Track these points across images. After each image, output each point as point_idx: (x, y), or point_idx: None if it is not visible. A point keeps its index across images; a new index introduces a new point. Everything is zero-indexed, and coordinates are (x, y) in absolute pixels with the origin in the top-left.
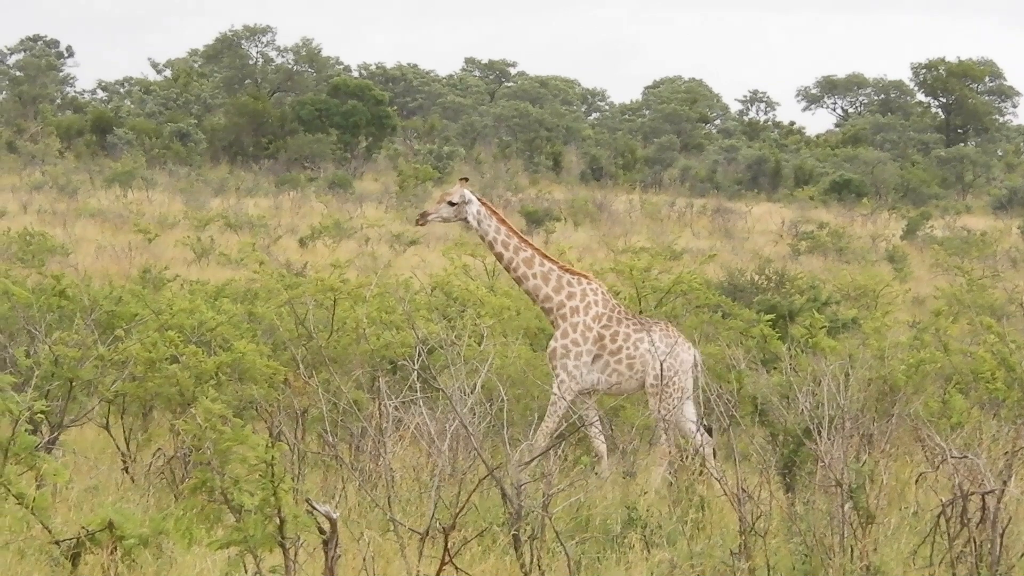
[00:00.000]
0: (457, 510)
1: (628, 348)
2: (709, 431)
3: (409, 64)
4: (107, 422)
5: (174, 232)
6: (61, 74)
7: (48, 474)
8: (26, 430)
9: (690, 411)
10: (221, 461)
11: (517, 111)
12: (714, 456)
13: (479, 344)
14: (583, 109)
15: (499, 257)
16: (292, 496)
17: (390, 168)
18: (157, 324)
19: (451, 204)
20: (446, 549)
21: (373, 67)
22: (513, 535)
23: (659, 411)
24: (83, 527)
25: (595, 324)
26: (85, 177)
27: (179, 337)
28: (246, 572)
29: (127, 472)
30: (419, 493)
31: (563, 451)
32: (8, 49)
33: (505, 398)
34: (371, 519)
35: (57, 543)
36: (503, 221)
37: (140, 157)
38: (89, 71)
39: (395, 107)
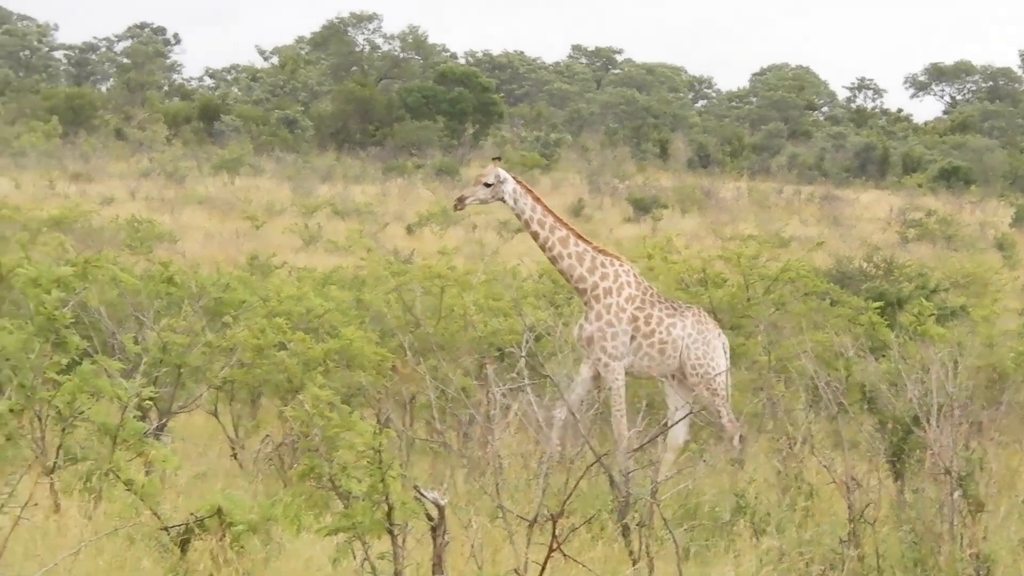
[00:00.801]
0: (565, 497)
1: (660, 332)
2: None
3: (516, 51)
4: (215, 409)
5: (281, 219)
6: (168, 61)
7: (157, 460)
8: (135, 416)
9: (722, 395)
10: (329, 448)
11: (624, 98)
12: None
13: None
14: (690, 96)
15: (535, 236)
16: (400, 483)
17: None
18: (265, 311)
19: (487, 185)
20: (554, 536)
21: (480, 54)
22: (621, 522)
23: (706, 397)
24: (192, 513)
25: (628, 305)
26: (193, 164)
27: (287, 324)
28: (354, 558)
29: (235, 459)
30: (527, 480)
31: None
32: (115, 37)
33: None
34: (479, 506)
35: (166, 529)
36: (539, 200)
37: (247, 144)
38: (196, 58)
39: (502, 94)
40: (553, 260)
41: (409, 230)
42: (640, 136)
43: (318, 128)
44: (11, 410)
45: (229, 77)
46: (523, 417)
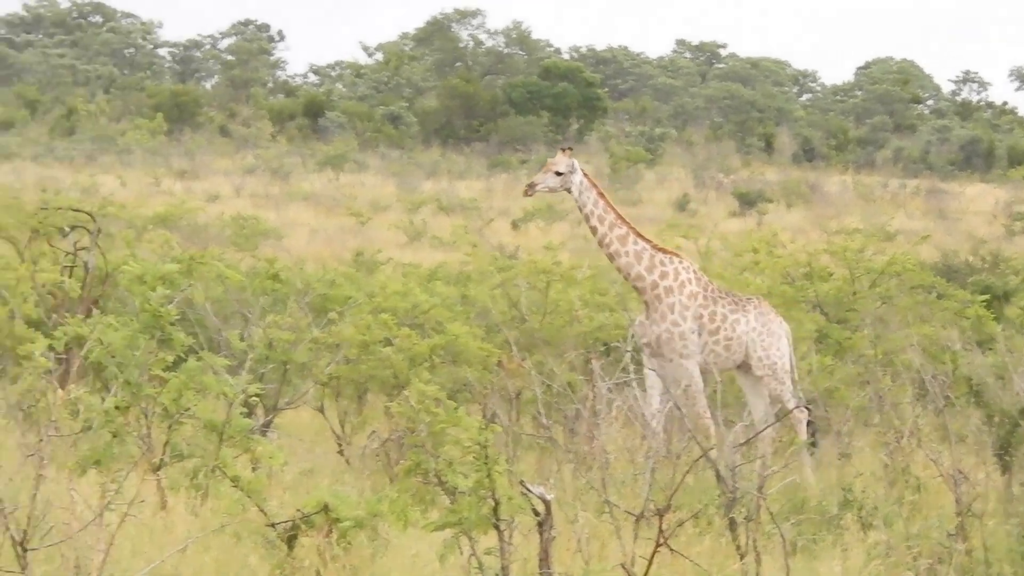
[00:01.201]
0: (671, 492)
1: (726, 329)
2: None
3: (620, 46)
4: (322, 405)
5: (386, 215)
6: (272, 58)
7: (263, 457)
8: (241, 413)
9: (789, 387)
10: (435, 443)
11: (728, 92)
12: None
13: None
14: (795, 90)
15: (594, 231)
16: (506, 478)
17: (601, 150)
18: (370, 307)
19: (557, 174)
20: (661, 531)
21: (584, 49)
22: (728, 517)
23: (775, 389)
24: (298, 510)
25: (691, 302)
26: (297, 160)
27: (392, 320)
28: (461, 554)
29: (342, 454)
30: (633, 475)
31: (777, 432)
32: (220, 34)
33: (719, 380)
34: (586, 501)
35: (273, 526)
36: (602, 195)
37: (352, 140)
38: (300, 55)
39: (606, 89)
40: (611, 257)
41: (514, 225)
42: (745, 130)
43: (423, 124)
44: (117, 407)
45: (333, 73)
46: (629, 411)
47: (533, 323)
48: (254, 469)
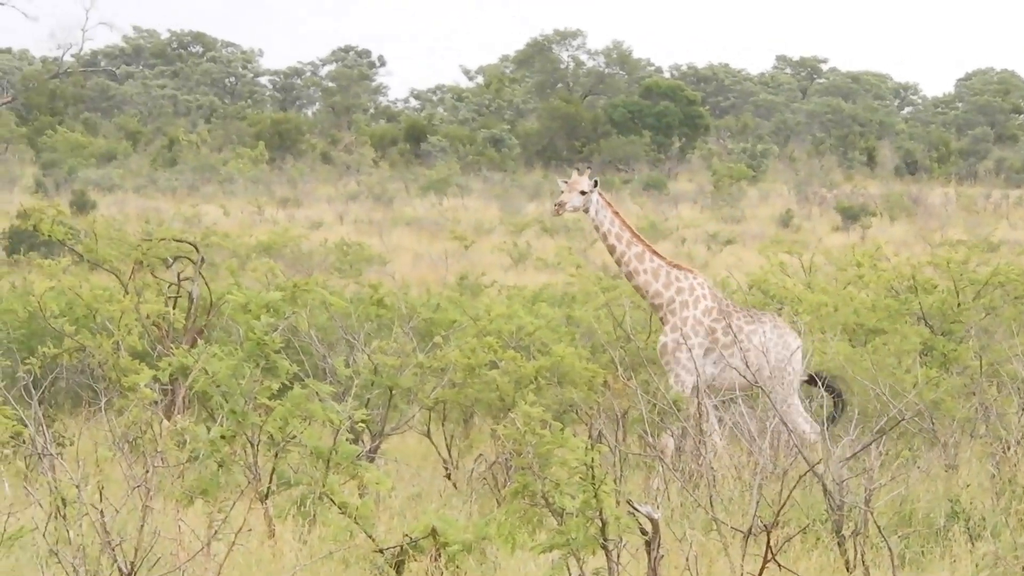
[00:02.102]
0: (779, 507)
1: (742, 341)
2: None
3: (720, 63)
4: (428, 429)
5: (490, 238)
6: (373, 84)
7: (371, 483)
8: (347, 439)
9: (798, 404)
10: (542, 465)
11: (830, 107)
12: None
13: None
14: (896, 103)
15: (611, 250)
16: (613, 498)
17: (704, 168)
18: (475, 330)
19: (582, 193)
20: (768, 547)
21: (684, 67)
22: (836, 531)
23: (781, 398)
24: (406, 535)
25: (705, 318)
26: (400, 186)
27: (498, 342)
28: (570, 574)
29: (449, 478)
30: (741, 491)
31: (883, 446)
32: (320, 61)
33: (823, 394)
34: (694, 519)
35: (381, 551)
36: (617, 214)
37: (454, 164)
38: (401, 80)
39: (707, 107)
40: (629, 276)
41: None
42: (847, 144)
43: (524, 146)
44: (223, 437)
45: (434, 98)
46: (735, 429)
47: (638, 342)
48: (361, 495)
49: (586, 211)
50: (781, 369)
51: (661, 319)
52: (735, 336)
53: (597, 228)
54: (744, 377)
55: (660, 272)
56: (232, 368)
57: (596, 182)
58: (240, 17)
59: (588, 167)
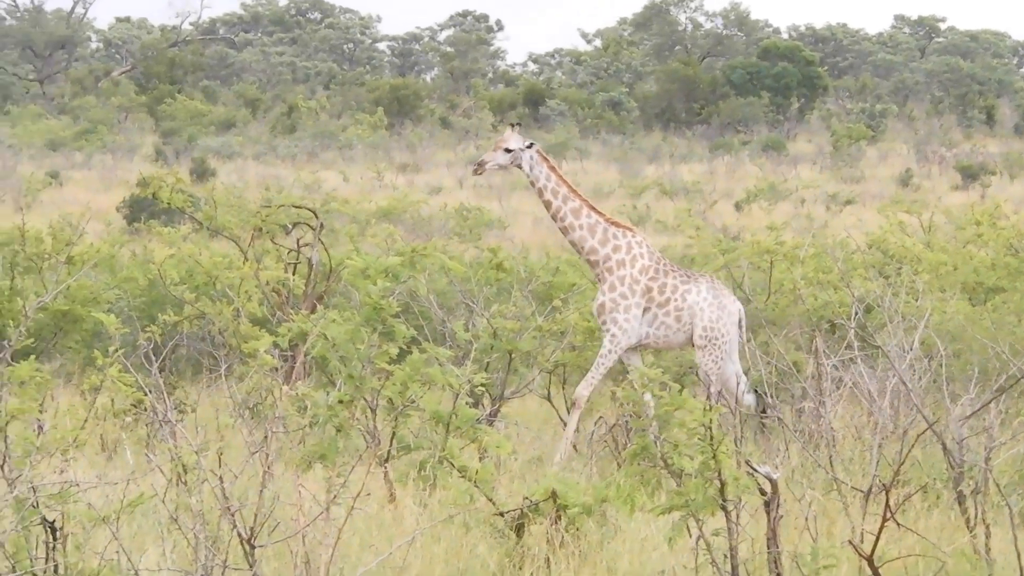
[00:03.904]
0: (898, 467)
1: (676, 300)
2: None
3: (838, 23)
4: (548, 392)
5: (609, 201)
6: (491, 48)
7: (491, 446)
8: (467, 403)
9: (734, 368)
10: (660, 426)
11: (948, 66)
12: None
13: (916, 300)
14: (1015, 61)
15: (547, 205)
16: (732, 459)
17: (823, 128)
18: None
19: (507, 151)
20: (888, 506)
21: (803, 28)
22: (955, 490)
23: (705, 363)
24: (526, 498)
25: (642, 276)
26: None
27: None
28: (689, 536)
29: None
30: (860, 451)
31: (1003, 404)
32: (438, 26)
33: (944, 353)
34: (813, 479)
35: (501, 514)
36: (553, 169)
37: (573, 127)
38: (519, 44)
39: (825, 67)
40: (564, 231)
41: (737, 207)
42: (966, 103)
43: (643, 109)
44: (341, 401)
45: (552, 61)
46: (855, 389)
47: (757, 303)
48: (481, 459)
49: (520, 167)
50: (714, 330)
51: (597, 276)
52: (670, 295)
53: (533, 184)
54: (672, 337)
55: (597, 228)
56: (350, 333)
57: (532, 144)
58: None
59: (518, 124)
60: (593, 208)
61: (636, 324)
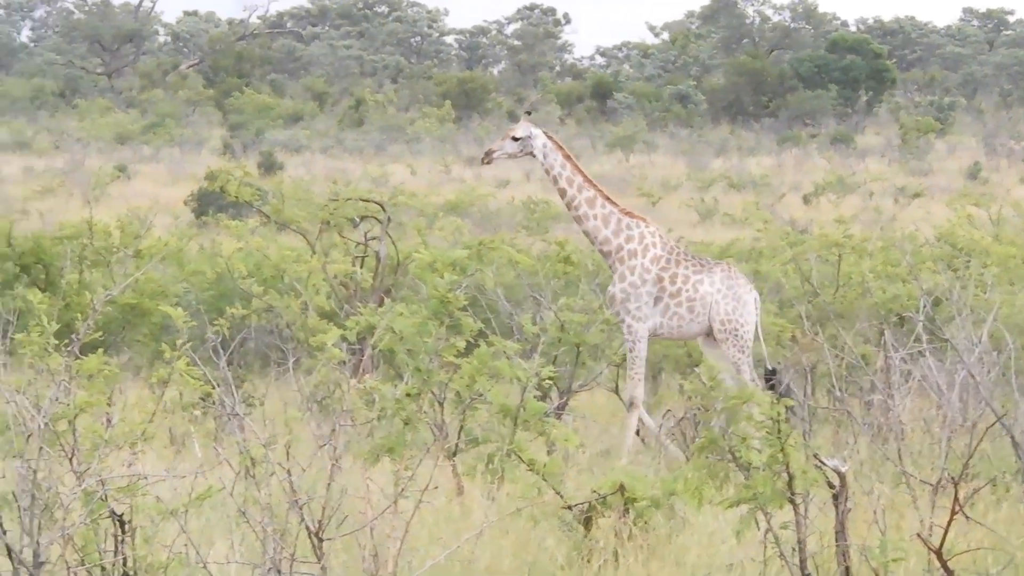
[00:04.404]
0: (967, 460)
1: (688, 290)
2: (770, 377)
3: (906, 16)
4: (616, 385)
5: (677, 194)
6: (559, 41)
7: (559, 439)
8: (535, 396)
9: (749, 360)
10: (728, 420)
11: (1017, 59)
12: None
13: (984, 293)
14: None
15: (561, 193)
16: (800, 451)
17: (891, 121)
18: None
19: (515, 139)
20: (956, 499)
21: (870, 21)
22: None
23: (732, 355)
24: (594, 491)
25: (653, 266)
26: (586, 143)
27: None
28: (758, 529)
29: (638, 434)
30: (929, 444)
31: None
32: (505, 19)
33: (1013, 346)
34: (882, 472)
35: (569, 507)
36: (569, 158)
37: (641, 121)
38: (587, 37)
39: (894, 60)
40: (578, 220)
41: (805, 200)
42: None
43: (711, 102)
44: (408, 395)
45: (620, 55)
46: (924, 382)
47: (825, 296)
48: (549, 452)
49: (533, 155)
50: (732, 321)
51: (610, 267)
52: (681, 285)
53: (547, 172)
54: (685, 327)
55: (611, 219)
56: (417, 326)
57: (545, 133)
58: None
59: (529, 112)
60: (608, 198)
61: (648, 312)
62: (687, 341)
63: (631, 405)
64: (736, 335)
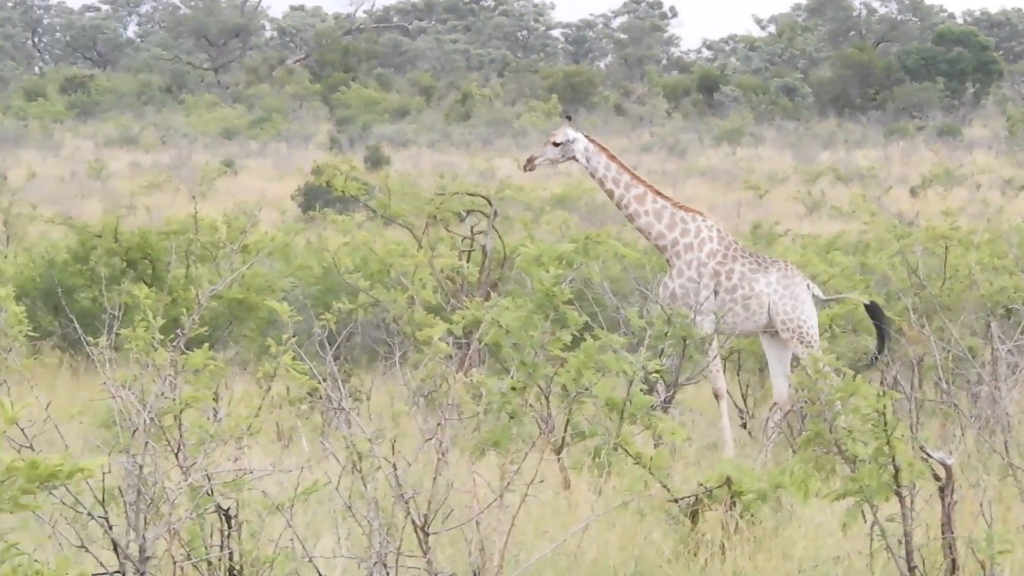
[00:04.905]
0: None
1: (743, 288)
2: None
3: (1013, 8)
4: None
5: (784, 187)
6: (665, 35)
7: (665, 433)
8: (641, 390)
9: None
10: (834, 412)
11: None
12: None
13: None
14: None
15: (610, 194)
16: (906, 444)
17: (998, 113)
18: None
19: (555, 145)
20: None
21: (977, 13)
22: None
23: (799, 352)
24: (701, 484)
25: (710, 260)
26: (693, 136)
27: None
28: (864, 522)
29: (744, 427)
30: None
31: None
32: (612, 13)
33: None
34: (989, 464)
35: (676, 501)
36: (613, 158)
37: (747, 114)
38: (693, 31)
39: (1001, 52)
40: (630, 218)
41: (912, 192)
42: None
43: (817, 95)
44: (513, 388)
45: (727, 48)
46: None
47: (932, 289)
48: (656, 445)
49: (576, 160)
50: (792, 320)
51: (667, 262)
52: (737, 282)
53: (593, 175)
54: (741, 324)
55: (663, 213)
56: (522, 320)
57: (586, 136)
58: None
59: (568, 117)
60: (659, 193)
61: (711, 305)
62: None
63: (717, 397)
64: (800, 333)
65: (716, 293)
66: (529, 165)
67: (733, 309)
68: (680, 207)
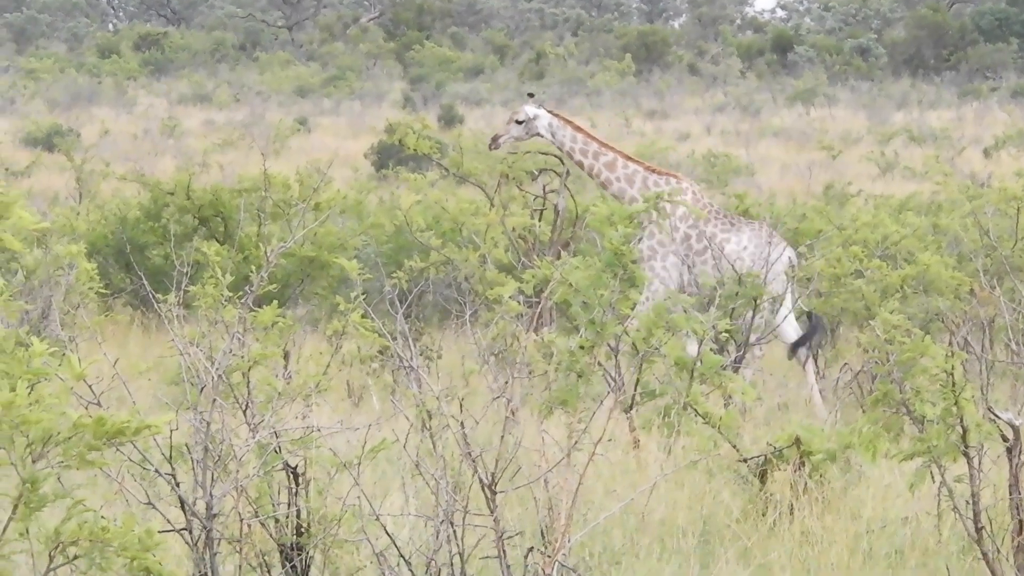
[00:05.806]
0: None
1: (713, 248)
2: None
3: None
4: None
5: (857, 148)
6: None
7: (735, 393)
8: (711, 349)
9: (787, 320)
10: (904, 373)
11: None
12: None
13: None
14: None
15: (580, 165)
16: (974, 405)
17: None
18: (841, 239)
19: (518, 123)
20: None
21: None
22: None
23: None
24: (770, 444)
25: (682, 224)
26: (767, 96)
27: (863, 252)
28: (932, 482)
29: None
30: None
31: None
32: None
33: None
34: None
35: (745, 460)
36: (579, 129)
37: (821, 74)
38: None
39: None
40: (603, 186)
41: (986, 153)
42: None
43: (891, 55)
44: (581, 347)
45: (801, 8)
46: None
47: (1004, 250)
48: (726, 405)
49: (541, 136)
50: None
51: (641, 225)
52: (707, 243)
53: (560, 148)
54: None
55: (635, 178)
56: (591, 279)
57: (550, 111)
58: None
59: (531, 95)
60: (630, 158)
61: (676, 273)
62: None
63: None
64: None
65: (687, 257)
66: (493, 144)
67: (704, 271)
68: (653, 170)
